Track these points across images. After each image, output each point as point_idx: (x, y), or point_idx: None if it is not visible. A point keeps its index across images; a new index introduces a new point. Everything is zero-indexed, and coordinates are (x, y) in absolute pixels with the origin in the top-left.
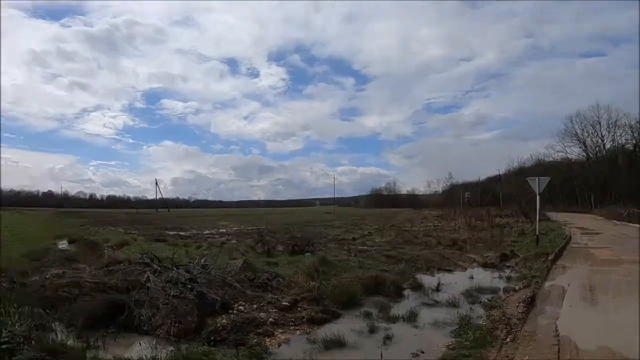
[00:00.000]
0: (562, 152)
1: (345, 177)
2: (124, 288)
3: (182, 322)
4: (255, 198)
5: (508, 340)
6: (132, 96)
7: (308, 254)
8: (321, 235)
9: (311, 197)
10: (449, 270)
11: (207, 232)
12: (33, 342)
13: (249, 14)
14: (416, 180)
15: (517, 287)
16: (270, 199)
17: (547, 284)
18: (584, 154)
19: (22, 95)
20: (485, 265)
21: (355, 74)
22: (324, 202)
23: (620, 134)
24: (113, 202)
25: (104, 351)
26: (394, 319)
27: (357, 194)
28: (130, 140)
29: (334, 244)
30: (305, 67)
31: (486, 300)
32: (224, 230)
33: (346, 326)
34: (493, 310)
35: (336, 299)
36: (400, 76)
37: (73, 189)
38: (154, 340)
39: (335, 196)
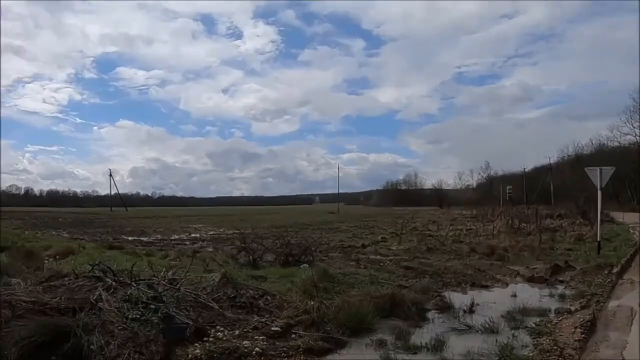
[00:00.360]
0: (631, 134)
1: (353, 167)
2: (69, 309)
3: (143, 352)
4: (237, 194)
5: None
6: (80, 63)
7: (305, 265)
8: (322, 242)
9: (309, 193)
10: (486, 287)
11: (176, 237)
12: None
13: None
14: (444, 171)
15: (572, 308)
16: (256, 195)
17: (612, 303)
18: None
19: None
20: (532, 280)
21: (365, 35)
22: (326, 198)
23: None
24: (55, 199)
25: None
26: (415, 349)
27: (367, 189)
28: (78, 120)
29: (338, 252)
30: (302, 26)
31: (533, 325)
32: (198, 235)
33: (354, 357)
34: (542, 337)
35: (341, 323)
36: (423, 38)
37: (4, 183)
38: None
39: (340, 191)
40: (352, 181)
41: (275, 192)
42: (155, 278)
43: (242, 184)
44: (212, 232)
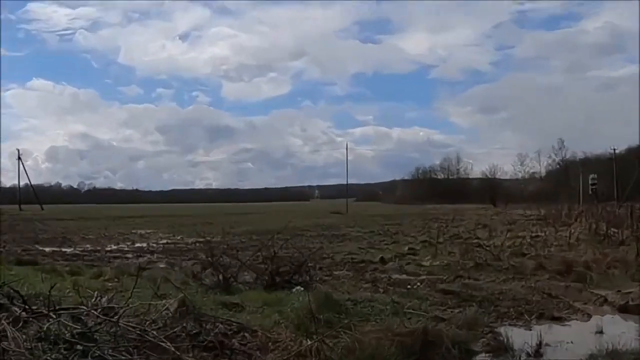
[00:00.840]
0: None
1: (368, 147)
2: None
3: None
4: (201, 185)
5: None
6: None
7: (299, 288)
8: (323, 255)
9: (305, 184)
10: (559, 319)
11: (114, 247)
12: None
13: None
14: (498, 152)
15: None
16: (229, 188)
17: None
18: None
19: None
20: (625, 310)
21: None
22: (329, 192)
23: None
24: None
25: None
26: None
27: (389, 178)
28: None
29: (346, 270)
30: None
31: None
32: (145, 245)
33: None
34: None
35: None
36: None
37: None
38: None
39: (350, 182)
40: (367, 167)
41: (255, 183)
42: (83, 307)
43: (209, 171)
44: (165, 241)
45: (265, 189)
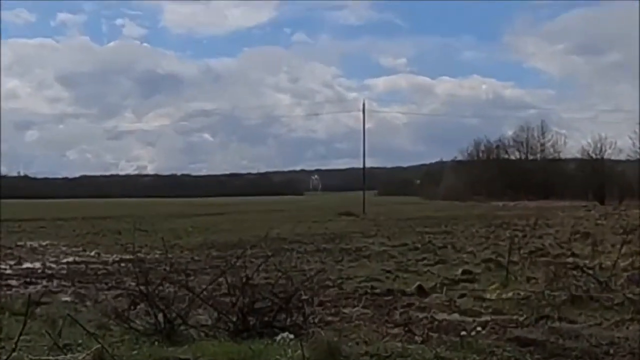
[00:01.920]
0: None
1: (398, 108)
2: None
3: None
4: (129, 170)
5: None
6: None
7: (286, 335)
8: (326, 281)
9: (297, 168)
10: None
11: None
12: None
13: None
14: (608, 118)
15: None
16: (174, 173)
17: None
18: None
19: None
20: None
21: None
22: (335, 181)
23: None
24: None
25: None
26: None
27: (430, 159)
28: None
29: (363, 304)
30: None
31: None
32: (39, 265)
33: None
34: None
35: None
36: None
37: None
38: None
39: (370, 165)
40: (396, 142)
41: (217, 166)
42: None
43: (141, 146)
44: (71, 259)
45: (233, 176)
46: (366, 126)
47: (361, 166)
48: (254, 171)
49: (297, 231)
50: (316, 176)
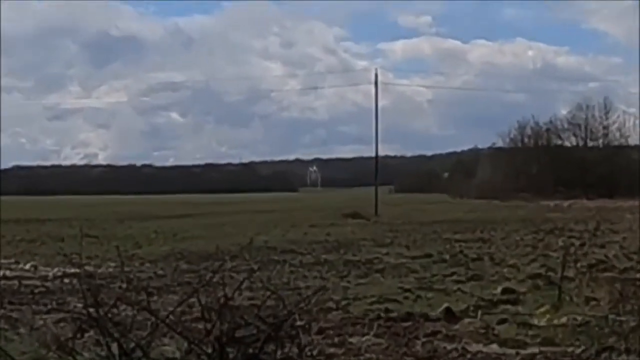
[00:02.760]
0: None
1: (420, 80)
2: None
3: None
4: (76, 159)
5: None
6: None
7: None
8: (328, 302)
9: (290, 157)
10: None
11: None
12: None
13: None
14: None
15: None
16: (133, 163)
17: None
18: None
19: None
20: None
21: None
22: (339, 173)
23: None
24: None
25: None
26: None
27: (462, 146)
28: None
29: (375, 332)
30: None
31: None
32: None
33: None
34: None
35: None
36: None
37: None
38: None
39: (383, 153)
40: (419, 123)
41: (188, 154)
42: None
43: (91, 129)
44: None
45: (208, 166)
46: (379, 103)
47: (373, 155)
48: (235, 161)
49: (290, 238)
50: (315, 168)
